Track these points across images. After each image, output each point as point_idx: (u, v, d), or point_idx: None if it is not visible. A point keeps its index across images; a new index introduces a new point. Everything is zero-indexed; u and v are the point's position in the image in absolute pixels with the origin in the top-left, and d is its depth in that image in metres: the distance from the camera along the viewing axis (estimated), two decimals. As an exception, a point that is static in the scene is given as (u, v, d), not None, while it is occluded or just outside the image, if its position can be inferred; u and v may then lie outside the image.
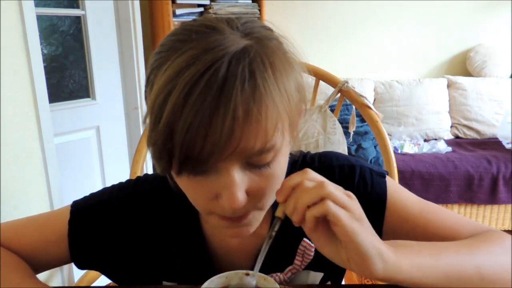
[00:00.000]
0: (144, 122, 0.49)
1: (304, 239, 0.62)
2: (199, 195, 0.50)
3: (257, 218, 0.53)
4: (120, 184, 0.69)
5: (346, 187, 0.63)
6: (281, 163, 0.51)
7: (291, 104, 0.47)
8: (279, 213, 0.49)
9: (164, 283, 0.66)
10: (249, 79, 0.43)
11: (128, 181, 0.69)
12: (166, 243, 0.65)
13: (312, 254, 0.62)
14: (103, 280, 0.94)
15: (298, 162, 0.67)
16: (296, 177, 0.48)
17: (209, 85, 0.42)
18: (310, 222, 0.46)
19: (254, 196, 0.49)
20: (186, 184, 0.50)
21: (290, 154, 0.69)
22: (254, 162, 0.47)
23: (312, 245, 0.61)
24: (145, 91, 0.51)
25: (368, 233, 0.47)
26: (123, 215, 0.65)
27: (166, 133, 0.43)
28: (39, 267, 0.66)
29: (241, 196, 0.46)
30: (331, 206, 0.45)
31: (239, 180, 0.46)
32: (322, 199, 0.45)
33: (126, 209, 0.65)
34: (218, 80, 0.42)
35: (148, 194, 0.66)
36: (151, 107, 0.45)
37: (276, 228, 0.49)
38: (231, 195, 0.46)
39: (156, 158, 0.46)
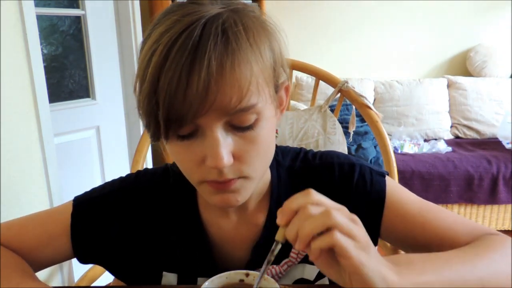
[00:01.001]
0: (134, 90, 0.51)
1: None
2: (188, 161, 0.52)
3: (245, 187, 0.54)
4: (121, 178, 0.70)
5: (345, 185, 0.64)
6: (266, 129, 0.52)
7: (265, 63, 0.50)
8: (279, 237, 0.46)
9: (164, 273, 0.66)
10: (221, 36, 0.46)
11: (129, 175, 0.71)
12: (166, 233, 0.66)
13: None
14: (103, 280, 0.95)
15: (299, 158, 0.68)
16: (298, 199, 0.45)
17: (186, 44, 0.46)
18: (315, 253, 0.43)
19: (240, 160, 0.51)
20: (175, 150, 0.52)
21: (290, 147, 0.70)
22: (236, 123, 0.49)
23: None
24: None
25: (374, 261, 0.44)
26: (125, 207, 0.66)
27: (150, 92, 0.47)
28: (40, 264, 0.67)
29: (225, 154, 0.48)
30: (339, 237, 0.42)
31: (223, 139, 0.49)
32: (328, 229, 0.43)
33: (127, 201, 0.66)
34: (194, 38, 0.46)
35: (149, 186, 0.67)
36: (138, 72, 0.49)
37: (275, 253, 0.47)
38: (215, 153, 0.48)
39: (146, 123, 0.50)
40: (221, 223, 0.65)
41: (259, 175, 0.55)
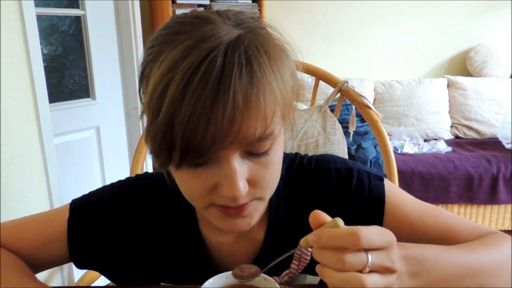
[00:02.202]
0: (141, 117, 0.49)
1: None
2: (198, 187, 0.50)
3: (258, 209, 0.53)
4: (120, 182, 0.69)
5: (344, 191, 0.63)
6: (278, 151, 0.51)
7: (287, 89, 0.48)
8: (304, 243, 0.45)
9: (162, 284, 0.66)
10: (245, 66, 0.44)
11: (127, 178, 0.69)
12: (164, 243, 0.65)
13: (309, 258, 0.61)
14: (103, 280, 0.94)
15: (295, 166, 0.67)
16: (343, 239, 0.41)
17: (208, 74, 0.42)
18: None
19: (254, 184, 0.50)
20: (185, 177, 0.50)
21: (288, 154, 0.70)
22: (253, 150, 0.48)
23: (309, 249, 0.61)
24: (139, 87, 0.51)
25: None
26: (122, 213, 0.65)
27: (166, 124, 0.43)
28: (38, 266, 0.66)
29: (242, 184, 0.47)
30: None
31: (239, 168, 0.47)
32: None
33: (125, 207, 0.65)
34: (216, 68, 0.42)
35: (147, 192, 0.66)
36: (149, 101, 0.45)
37: (296, 250, 0.48)
38: (232, 183, 0.47)
39: (155, 152, 0.47)
40: (220, 238, 0.64)
41: (270, 195, 0.55)
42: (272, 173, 0.51)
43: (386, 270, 0.43)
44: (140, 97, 0.52)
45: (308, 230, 0.64)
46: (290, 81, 0.49)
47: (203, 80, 0.42)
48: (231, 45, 0.44)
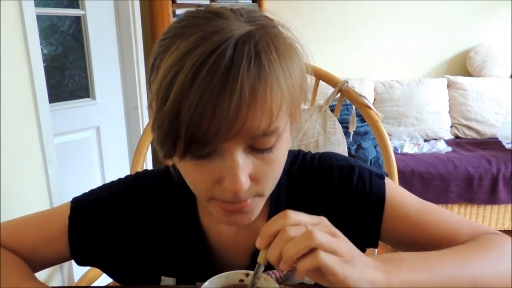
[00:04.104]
0: (149, 107, 0.49)
1: None
2: (202, 180, 0.50)
3: (258, 204, 0.54)
4: (120, 179, 0.70)
5: (345, 188, 0.64)
6: (283, 148, 0.52)
7: (295, 87, 0.48)
8: (261, 260, 0.46)
9: (163, 278, 0.66)
10: (254, 60, 0.44)
11: (127, 176, 0.70)
12: (164, 238, 0.65)
13: None
14: (103, 280, 0.95)
15: (298, 161, 0.67)
16: (277, 222, 0.45)
17: (216, 65, 0.43)
18: (301, 273, 0.44)
19: (256, 181, 0.50)
20: (188, 168, 0.50)
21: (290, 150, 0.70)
22: (258, 146, 0.48)
23: None
24: (149, 77, 0.52)
25: (359, 270, 0.44)
26: (123, 210, 0.65)
27: (173, 112, 0.44)
28: (39, 265, 0.66)
29: (244, 179, 0.47)
30: (323, 258, 0.42)
31: (243, 163, 0.47)
32: (311, 249, 0.43)
33: (126, 204, 0.66)
34: (225, 60, 0.43)
35: (148, 189, 0.66)
36: (157, 89, 0.46)
37: (259, 275, 0.47)
38: (234, 177, 0.47)
39: (160, 141, 0.47)
40: (221, 229, 0.65)
41: (271, 190, 0.55)
42: (275, 170, 0.52)
43: (327, 232, 0.44)
44: (149, 87, 0.52)
45: None
46: (298, 79, 0.49)
47: (212, 71, 0.43)
48: (242, 39, 0.45)
